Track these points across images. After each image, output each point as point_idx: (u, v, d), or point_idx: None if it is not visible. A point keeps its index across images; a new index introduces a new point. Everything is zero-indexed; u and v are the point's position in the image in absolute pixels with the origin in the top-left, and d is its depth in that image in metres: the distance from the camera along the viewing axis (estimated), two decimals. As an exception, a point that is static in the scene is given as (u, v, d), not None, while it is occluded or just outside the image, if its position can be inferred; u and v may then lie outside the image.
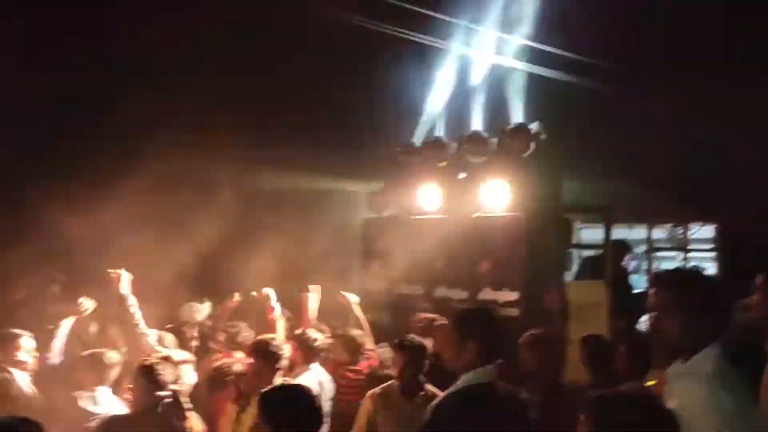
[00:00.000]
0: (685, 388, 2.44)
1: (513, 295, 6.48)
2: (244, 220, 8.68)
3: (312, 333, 5.35)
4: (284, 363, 4.72)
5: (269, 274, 8.17)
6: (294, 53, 8.33)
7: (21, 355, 4.76)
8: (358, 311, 6.36)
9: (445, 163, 7.44)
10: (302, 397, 2.92)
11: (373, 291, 8.26)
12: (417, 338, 4.73)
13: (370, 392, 4.70)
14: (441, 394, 4.33)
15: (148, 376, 4.08)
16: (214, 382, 4.97)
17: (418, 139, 7.88)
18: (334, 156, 8.68)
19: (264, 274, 8.07)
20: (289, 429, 2.77)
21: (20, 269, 7.25)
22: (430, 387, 4.55)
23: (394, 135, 8.11)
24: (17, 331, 4.90)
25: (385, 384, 4.69)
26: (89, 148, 8.01)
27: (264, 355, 4.61)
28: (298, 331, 5.54)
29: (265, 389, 3.03)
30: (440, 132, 7.86)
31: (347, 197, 9.39)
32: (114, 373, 4.74)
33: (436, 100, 7.89)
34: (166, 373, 4.11)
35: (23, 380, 4.74)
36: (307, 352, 5.23)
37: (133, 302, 5.00)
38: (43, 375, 4.92)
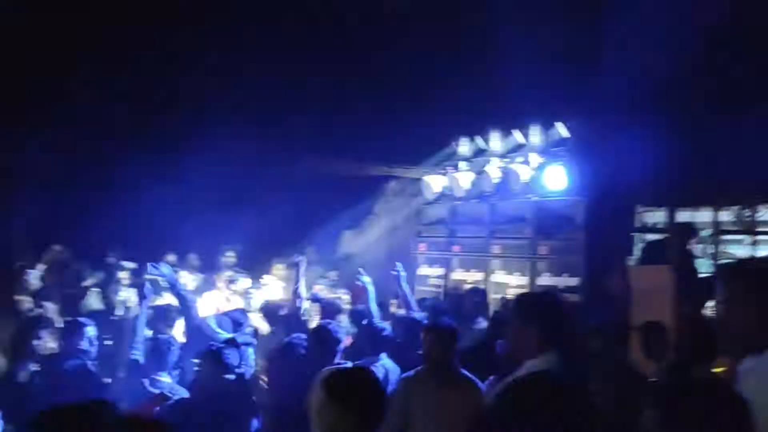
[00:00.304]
0: (757, 385, 2.34)
1: (573, 281, 6.39)
2: (304, 204, 8.80)
3: (379, 322, 5.32)
4: (342, 346, 4.74)
5: (331, 259, 8.30)
6: (361, 37, 8.31)
7: (84, 344, 4.92)
8: (406, 288, 6.29)
9: (504, 148, 7.37)
10: (367, 379, 2.94)
11: (430, 276, 8.28)
12: (447, 320, 4.53)
13: (404, 376, 4.59)
14: (475, 380, 4.31)
15: (215, 359, 4.17)
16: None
17: (477, 125, 7.81)
18: (390, 140, 8.68)
19: (326, 258, 8.19)
20: (354, 411, 2.78)
21: (90, 255, 7.56)
22: (463, 372, 4.40)
23: (453, 120, 8.03)
24: (82, 320, 5.10)
25: (420, 368, 4.53)
26: (162, 133, 8.21)
27: (322, 339, 4.65)
28: (364, 321, 5.54)
29: (330, 372, 3.05)
30: (500, 118, 7.77)
31: (404, 182, 9.40)
32: (174, 356, 4.90)
33: (496, 86, 7.76)
34: (232, 356, 4.21)
35: (92, 369, 4.91)
36: (375, 342, 5.21)
37: (191, 299, 5.16)
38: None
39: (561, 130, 6.72)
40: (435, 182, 8.26)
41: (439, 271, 8.17)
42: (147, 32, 7.96)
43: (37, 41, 7.79)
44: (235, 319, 5.62)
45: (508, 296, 6.62)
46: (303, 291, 5.96)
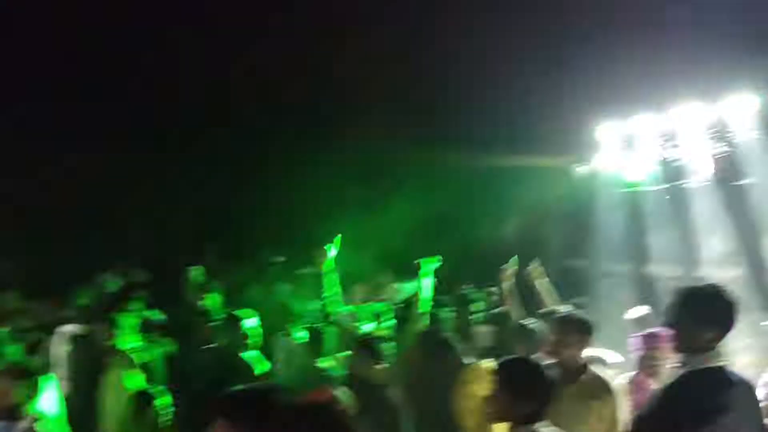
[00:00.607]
0: None
1: (738, 272, 5.92)
2: (440, 201, 8.81)
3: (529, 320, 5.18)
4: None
5: (467, 254, 8.24)
6: (482, 24, 8.18)
7: (244, 335, 5.22)
8: (545, 286, 6.05)
9: (664, 129, 6.93)
10: (536, 367, 3.01)
11: (573, 270, 8.00)
12: (574, 312, 4.25)
13: None
14: (605, 378, 4.02)
15: (368, 348, 4.28)
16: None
17: (630, 107, 7.39)
18: (532, 130, 8.46)
19: (463, 253, 8.14)
20: (525, 398, 2.84)
21: (247, 249, 8.04)
22: (593, 370, 4.08)
23: (603, 103, 7.65)
24: (237, 313, 5.44)
25: (548, 363, 4.27)
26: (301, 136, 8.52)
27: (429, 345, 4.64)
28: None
29: (503, 361, 3.10)
30: (654, 98, 7.30)
31: (549, 173, 9.14)
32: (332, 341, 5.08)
33: (647, 64, 7.29)
34: (382, 346, 4.30)
35: (251, 357, 5.23)
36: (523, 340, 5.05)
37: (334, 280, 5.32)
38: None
39: (728, 107, 6.18)
40: (583, 170, 7.96)
41: (584, 262, 7.88)
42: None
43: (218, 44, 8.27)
44: (375, 313, 5.73)
45: (665, 289, 6.27)
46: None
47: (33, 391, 4.07)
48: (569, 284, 6.85)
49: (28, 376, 4.10)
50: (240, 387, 2.66)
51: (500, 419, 2.89)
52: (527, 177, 8.84)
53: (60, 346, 5.83)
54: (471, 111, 8.57)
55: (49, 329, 6.04)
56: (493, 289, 7.46)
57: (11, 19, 8.07)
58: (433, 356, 4.93)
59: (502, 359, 3.11)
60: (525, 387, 2.87)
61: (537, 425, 2.85)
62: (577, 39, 7.57)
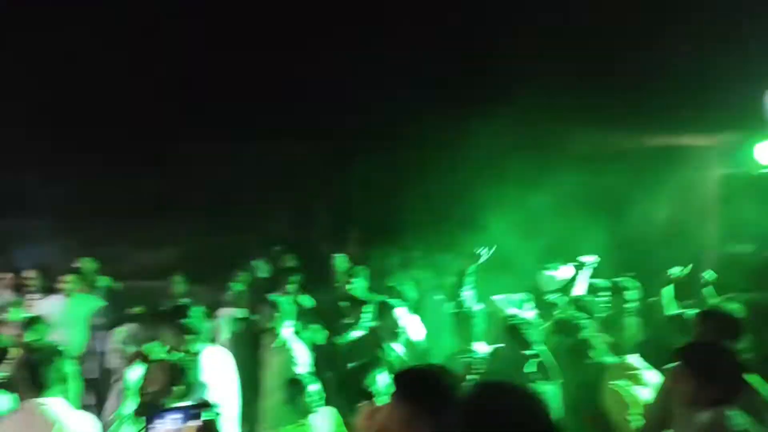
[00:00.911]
0: None
1: None
2: (584, 184, 8.48)
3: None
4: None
5: (617, 240, 7.87)
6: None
7: (394, 322, 5.39)
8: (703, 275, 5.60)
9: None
10: (725, 352, 2.95)
11: (736, 256, 7.43)
12: (721, 308, 3.91)
13: (666, 367, 3.98)
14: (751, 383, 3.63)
15: (514, 334, 4.24)
16: None
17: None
18: (679, 108, 7.93)
19: (610, 240, 7.79)
20: (710, 381, 2.80)
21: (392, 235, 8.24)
22: None
23: (756, 76, 7.03)
24: (391, 301, 5.58)
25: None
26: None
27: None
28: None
29: (687, 345, 3.01)
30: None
31: (696, 153, 8.55)
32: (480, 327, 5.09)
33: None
34: (531, 332, 4.24)
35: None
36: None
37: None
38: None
39: None
40: (741, 149, 7.37)
41: (749, 248, 7.28)
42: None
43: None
44: (515, 301, 5.65)
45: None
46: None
47: (181, 382, 4.08)
48: (733, 272, 6.38)
49: (179, 370, 4.14)
50: (418, 367, 2.77)
51: (687, 402, 2.86)
52: (690, 156, 8.31)
53: (221, 328, 6.26)
54: (634, 88, 8.12)
55: (210, 312, 6.49)
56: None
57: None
58: (571, 347, 4.75)
59: (687, 344, 3.03)
60: (710, 370, 2.82)
61: (724, 409, 2.79)
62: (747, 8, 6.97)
